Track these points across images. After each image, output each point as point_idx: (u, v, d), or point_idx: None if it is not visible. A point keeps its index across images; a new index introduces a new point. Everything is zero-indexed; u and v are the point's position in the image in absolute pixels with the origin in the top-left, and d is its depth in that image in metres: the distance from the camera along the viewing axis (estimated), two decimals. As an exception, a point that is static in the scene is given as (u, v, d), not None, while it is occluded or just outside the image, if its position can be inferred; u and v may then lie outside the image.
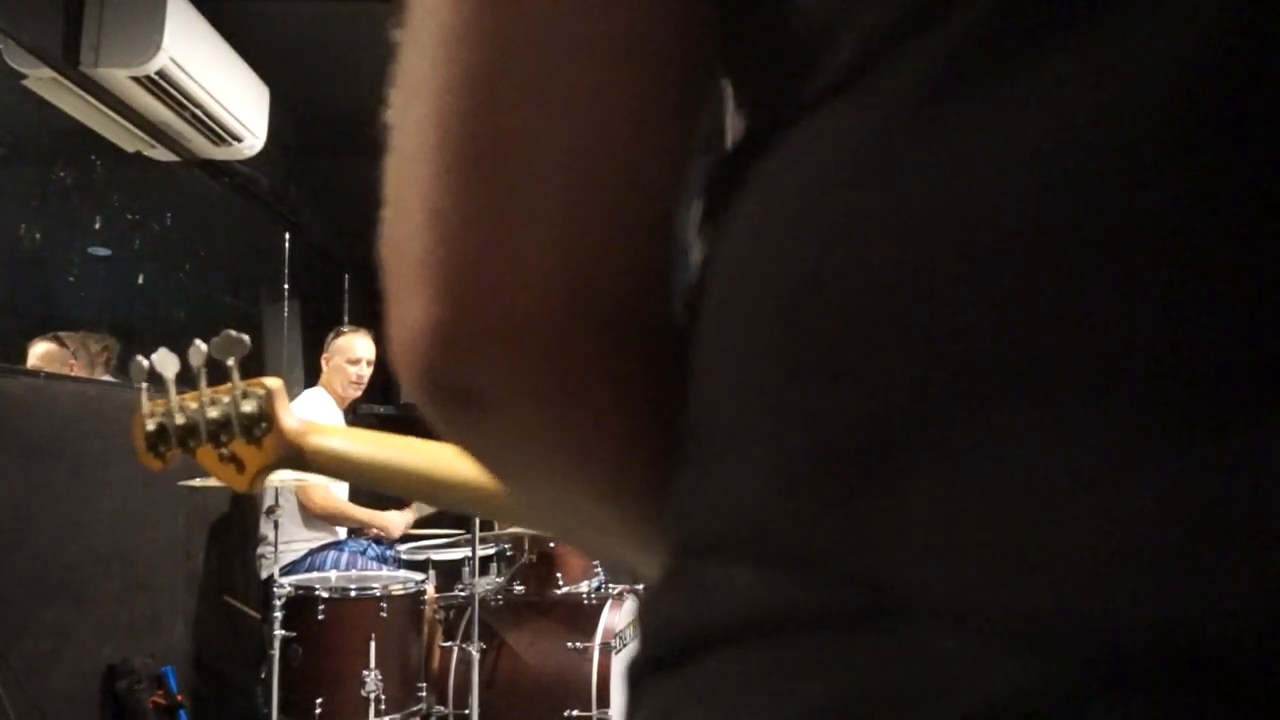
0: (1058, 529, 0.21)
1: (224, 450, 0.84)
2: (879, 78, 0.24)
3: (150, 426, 0.86)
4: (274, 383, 0.84)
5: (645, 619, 0.29)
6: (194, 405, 0.85)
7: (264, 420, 0.82)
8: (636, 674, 0.28)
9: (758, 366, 0.25)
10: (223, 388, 0.85)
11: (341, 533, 3.38)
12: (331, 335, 3.48)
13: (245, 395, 0.83)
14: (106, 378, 3.40)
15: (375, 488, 0.83)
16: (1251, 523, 0.20)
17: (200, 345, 0.85)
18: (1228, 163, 0.20)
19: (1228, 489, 0.20)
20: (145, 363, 0.88)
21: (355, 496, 3.51)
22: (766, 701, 0.23)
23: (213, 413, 0.84)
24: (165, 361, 0.88)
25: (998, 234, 0.22)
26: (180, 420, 0.85)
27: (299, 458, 0.83)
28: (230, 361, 0.84)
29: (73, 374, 3.01)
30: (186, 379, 0.90)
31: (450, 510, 3.05)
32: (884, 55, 0.24)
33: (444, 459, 0.77)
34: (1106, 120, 0.21)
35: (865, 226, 0.24)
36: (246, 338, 0.86)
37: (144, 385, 0.88)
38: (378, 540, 3.41)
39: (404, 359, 0.30)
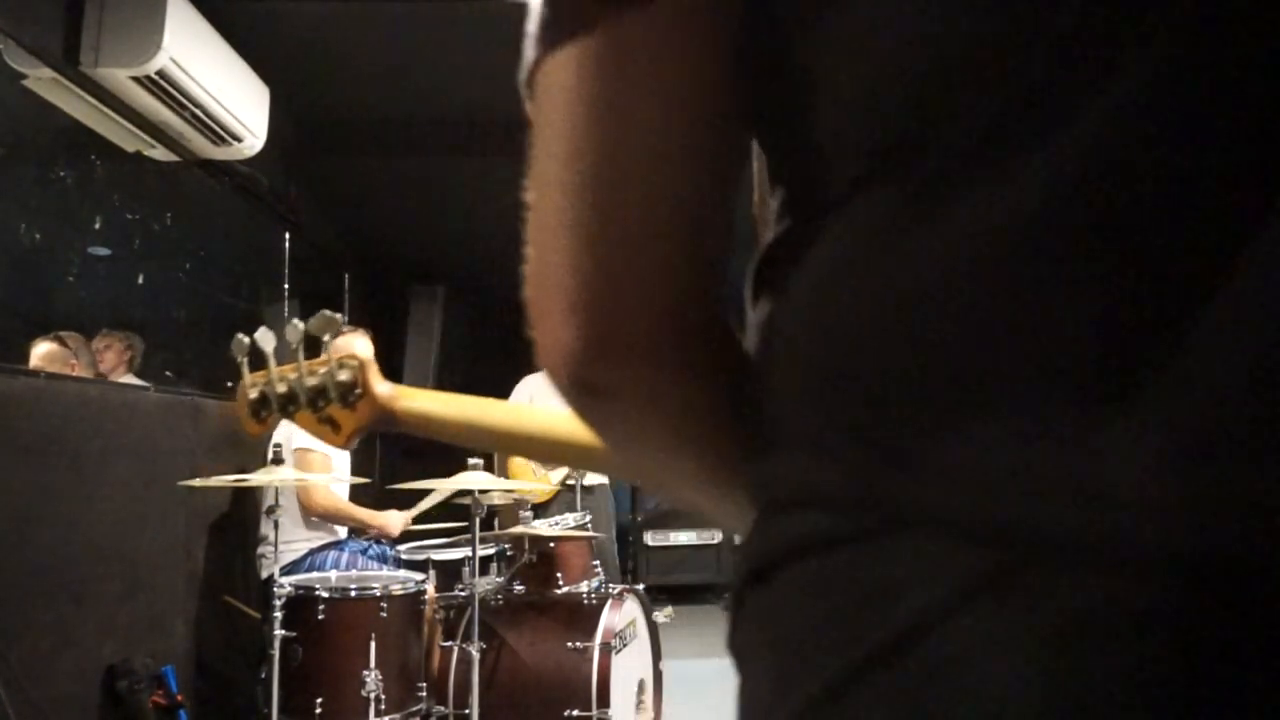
0: (1029, 466, 0.32)
1: (322, 414, 0.95)
2: (880, 186, 0.37)
3: (253, 395, 0.97)
4: (366, 355, 0.94)
5: (742, 553, 0.42)
6: (293, 375, 0.96)
7: (358, 387, 0.93)
8: (738, 592, 0.41)
9: (814, 386, 0.39)
10: (318, 360, 0.96)
11: (341, 533, 3.38)
12: (331, 335, 3.47)
13: (341, 366, 0.94)
14: (130, 377, 3.40)
15: (458, 443, 0.95)
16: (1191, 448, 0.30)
17: (298, 323, 0.96)
18: (1102, 243, 0.32)
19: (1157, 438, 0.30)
20: (246, 340, 0.99)
21: (355, 498, 3.51)
22: (811, 597, 0.37)
23: (311, 381, 0.95)
24: (265, 338, 0.98)
25: (971, 290, 0.34)
26: (281, 389, 0.96)
27: (391, 419, 0.93)
28: (326, 337, 0.97)
29: (74, 374, 3.01)
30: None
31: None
32: (882, 170, 0.37)
33: (516, 416, 0.91)
34: (1028, 218, 0.33)
35: (881, 292, 0.36)
36: (340, 316, 0.97)
37: (244, 359, 0.98)
38: (378, 540, 3.42)
39: (557, 367, 0.42)
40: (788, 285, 0.41)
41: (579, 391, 0.43)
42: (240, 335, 1.00)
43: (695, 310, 0.42)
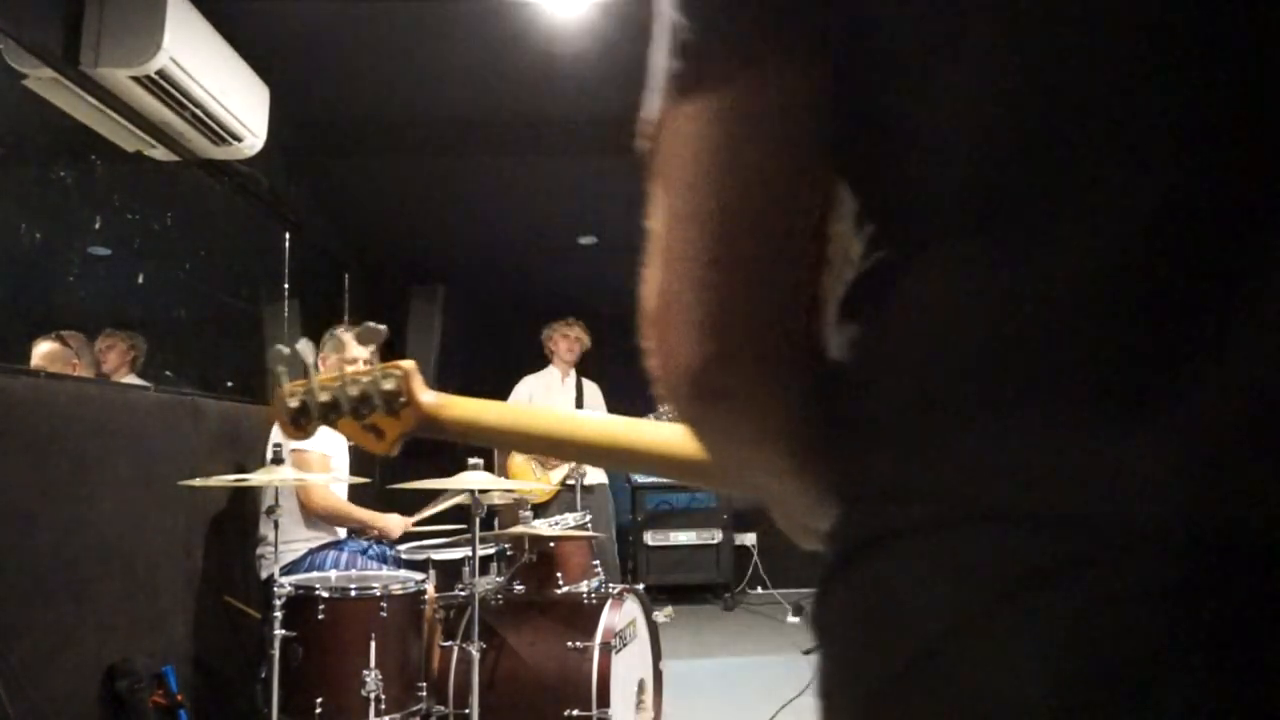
0: (1085, 468, 0.39)
1: (365, 422, 0.98)
2: (972, 231, 0.44)
3: (293, 404, 1.00)
4: (409, 364, 0.97)
5: (833, 537, 0.49)
6: (335, 385, 0.99)
7: (402, 395, 0.96)
8: (829, 571, 0.49)
9: (911, 395, 0.46)
10: (360, 370, 0.99)
11: (341, 532, 3.38)
12: (327, 335, 3.48)
13: (385, 375, 0.97)
14: (132, 378, 3.40)
15: (502, 446, 0.95)
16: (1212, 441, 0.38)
17: (342, 334, 1.02)
18: (1145, 291, 0.40)
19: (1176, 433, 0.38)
20: (285, 350, 1.02)
21: (356, 498, 3.51)
22: (901, 576, 0.44)
23: (353, 390, 0.98)
24: (306, 350, 1.02)
25: (1045, 324, 0.42)
26: (324, 398, 0.99)
27: (435, 425, 0.97)
28: (371, 348, 1.01)
29: (75, 374, 3.01)
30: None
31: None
32: (975, 216, 0.44)
33: (554, 420, 0.94)
34: (1091, 268, 0.41)
35: (970, 322, 0.44)
36: (384, 328, 1.00)
37: (282, 368, 1.01)
38: (378, 540, 3.41)
39: (680, 373, 0.49)
40: (883, 310, 0.48)
41: (700, 395, 0.50)
42: (279, 346, 1.03)
43: (795, 324, 0.50)
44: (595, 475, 5.30)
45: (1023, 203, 0.43)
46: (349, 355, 3.37)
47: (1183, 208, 0.40)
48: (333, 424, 1.00)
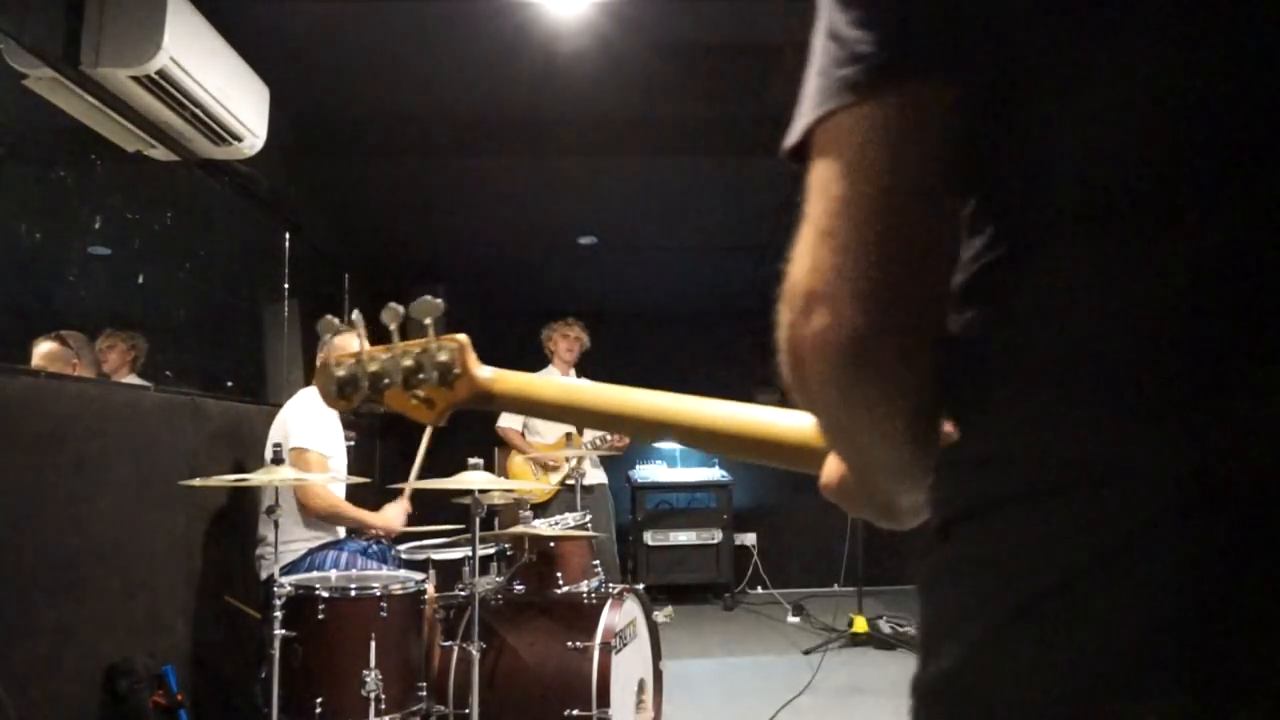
0: (1201, 433, 0.47)
1: (416, 393, 1.00)
2: (1100, 228, 0.51)
3: (341, 373, 1.03)
4: (463, 337, 1.00)
5: (951, 494, 0.57)
6: (385, 356, 1.02)
7: (456, 367, 0.99)
8: (944, 526, 0.57)
9: (1047, 369, 0.53)
10: (413, 342, 1.01)
11: (341, 532, 3.38)
12: (326, 336, 3.46)
13: (440, 347, 1.00)
14: (133, 378, 3.40)
15: (553, 419, 1.03)
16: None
17: (396, 306, 1.01)
18: (1245, 286, 0.48)
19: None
20: (335, 320, 1.06)
21: (356, 498, 3.51)
22: (1026, 529, 0.51)
23: (406, 361, 1.00)
24: (359, 320, 1.05)
25: (1162, 314, 0.49)
26: (373, 368, 1.01)
27: (488, 397, 1.00)
28: (427, 320, 1.01)
29: (75, 374, 3.01)
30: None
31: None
32: (1103, 216, 0.51)
33: (601, 393, 0.96)
34: (1202, 267, 0.48)
35: (1099, 308, 0.51)
36: (441, 301, 1.00)
37: (328, 337, 1.05)
38: (378, 540, 3.41)
39: (834, 343, 0.56)
40: (1011, 296, 0.56)
41: (856, 362, 0.56)
42: (328, 315, 1.07)
43: (935, 301, 0.58)
44: (595, 475, 5.30)
45: (1144, 207, 0.50)
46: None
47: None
48: (380, 394, 1.02)
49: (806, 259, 0.56)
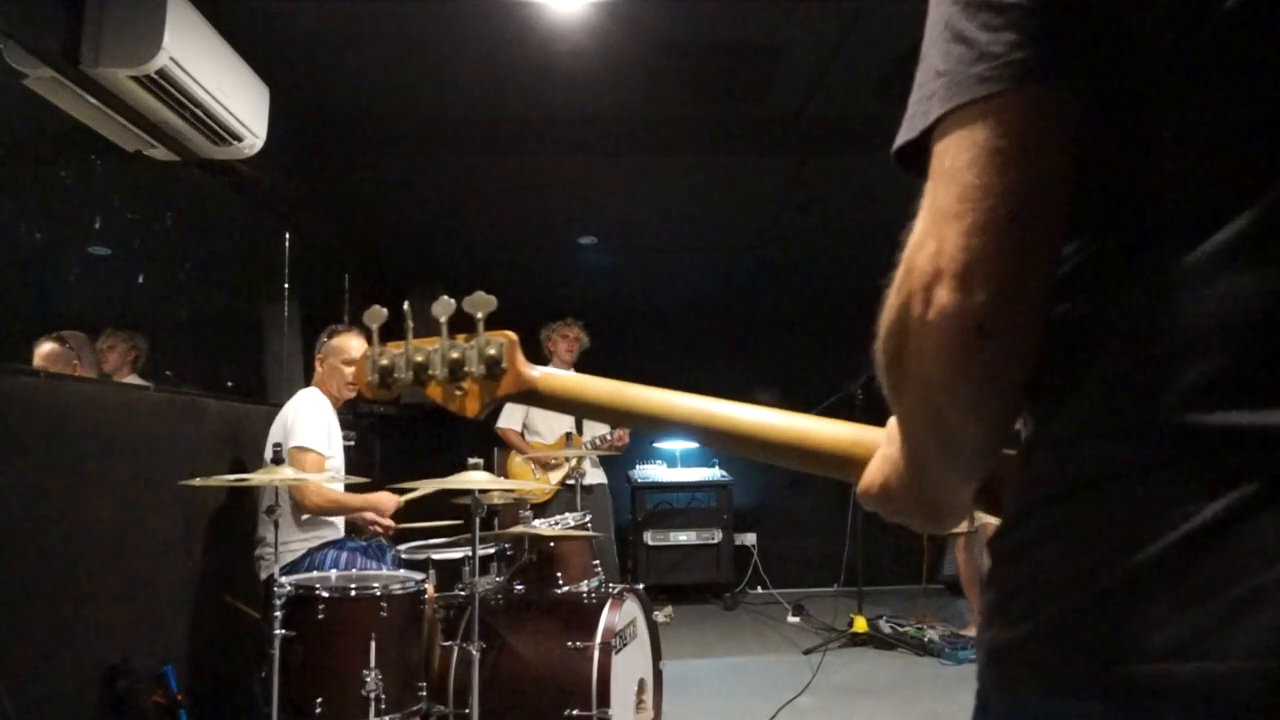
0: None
1: (460, 385, 1.04)
2: (1200, 228, 0.57)
3: (384, 362, 1.06)
4: (512, 334, 1.04)
5: (1038, 474, 0.64)
6: (430, 348, 1.05)
7: (503, 362, 1.03)
8: (1031, 507, 0.64)
9: (1156, 359, 0.58)
10: (461, 336, 1.05)
11: (340, 532, 3.38)
12: (326, 335, 3.47)
13: (489, 342, 1.03)
14: (134, 378, 3.40)
15: (595, 418, 1.07)
16: None
17: (448, 299, 1.03)
18: None
19: None
20: (382, 310, 1.08)
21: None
22: (1130, 501, 0.57)
23: (454, 354, 1.04)
24: (406, 313, 1.08)
25: (1262, 315, 0.56)
26: (418, 359, 1.05)
27: (533, 393, 1.03)
28: (479, 315, 1.05)
29: (75, 374, 3.01)
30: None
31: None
32: (1202, 217, 0.57)
33: (650, 398, 0.99)
34: None
35: (1203, 303, 0.57)
36: (493, 298, 1.05)
37: (375, 326, 1.07)
38: (375, 536, 3.41)
39: (954, 314, 0.60)
40: (1113, 288, 0.62)
41: (975, 333, 0.60)
42: (376, 306, 1.09)
43: (1048, 281, 0.62)
44: (595, 475, 5.30)
45: (1242, 212, 0.56)
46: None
47: None
48: (423, 384, 1.05)
49: (931, 242, 0.61)
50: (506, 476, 5.29)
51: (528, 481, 4.99)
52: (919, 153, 0.63)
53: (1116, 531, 0.58)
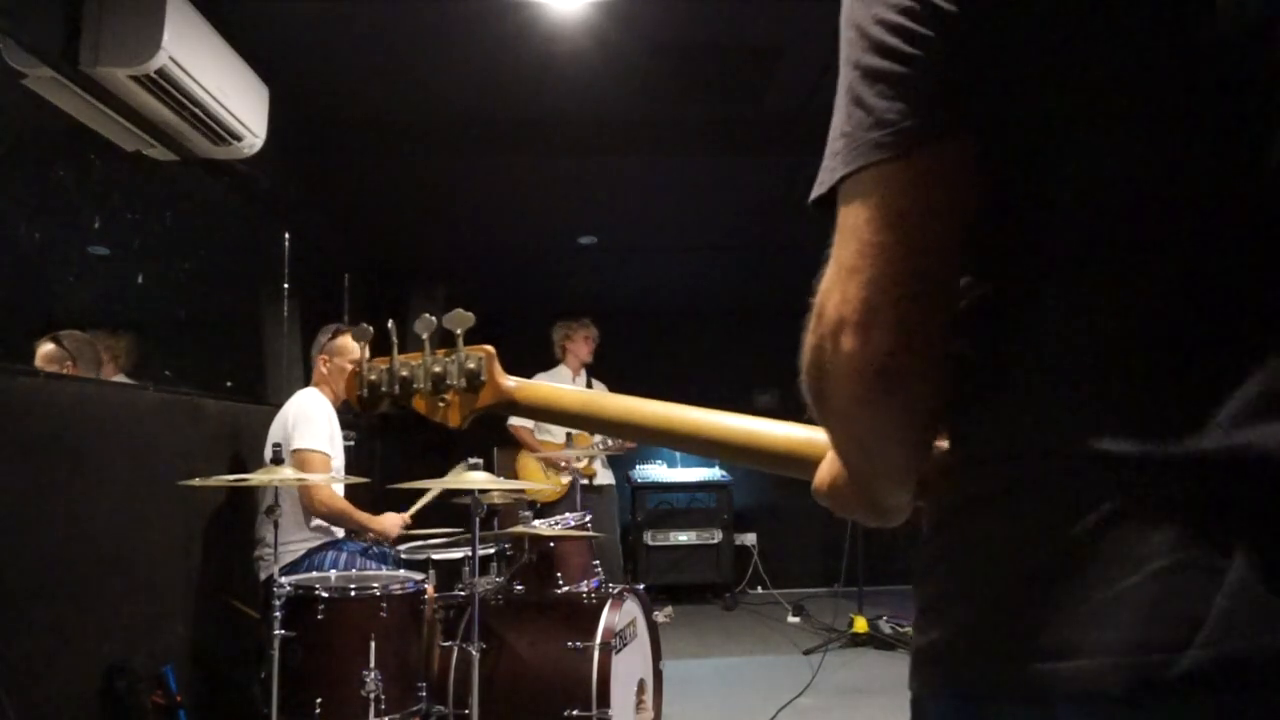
0: (1178, 428, 0.58)
1: (443, 397, 1.09)
2: (1093, 259, 0.62)
3: (373, 377, 1.12)
4: (490, 349, 1.09)
5: (938, 500, 0.71)
6: (414, 363, 1.10)
7: (482, 375, 1.08)
8: (938, 523, 0.70)
9: (1059, 378, 0.64)
10: (441, 351, 1.10)
11: (339, 532, 3.38)
12: (327, 336, 3.47)
13: (468, 356, 1.08)
14: (121, 378, 3.39)
15: (571, 426, 1.14)
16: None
17: (429, 317, 1.09)
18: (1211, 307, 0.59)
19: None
20: (369, 328, 1.15)
21: (355, 498, 3.51)
22: (1038, 505, 0.62)
23: (436, 368, 1.09)
24: (391, 330, 1.14)
25: (1139, 324, 0.60)
26: (403, 374, 1.10)
27: (511, 404, 1.08)
28: (459, 330, 1.09)
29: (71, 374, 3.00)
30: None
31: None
32: (1094, 249, 0.62)
33: (621, 406, 1.03)
34: (1171, 292, 0.60)
35: (1087, 327, 0.63)
36: (471, 315, 1.09)
37: (365, 343, 1.13)
38: (377, 542, 3.41)
39: (861, 361, 0.64)
40: (1003, 327, 0.67)
41: (878, 379, 0.65)
42: (363, 324, 1.16)
43: (943, 326, 0.66)
44: (604, 475, 5.29)
45: (1125, 247, 0.61)
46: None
47: (1221, 266, 0.58)
48: (408, 398, 1.11)
49: (835, 292, 0.65)
50: (517, 475, 5.29)
51: (538, 481, 5.00)
52: (833, 204, 0.67)
53: (1011, 544, 0.63)
